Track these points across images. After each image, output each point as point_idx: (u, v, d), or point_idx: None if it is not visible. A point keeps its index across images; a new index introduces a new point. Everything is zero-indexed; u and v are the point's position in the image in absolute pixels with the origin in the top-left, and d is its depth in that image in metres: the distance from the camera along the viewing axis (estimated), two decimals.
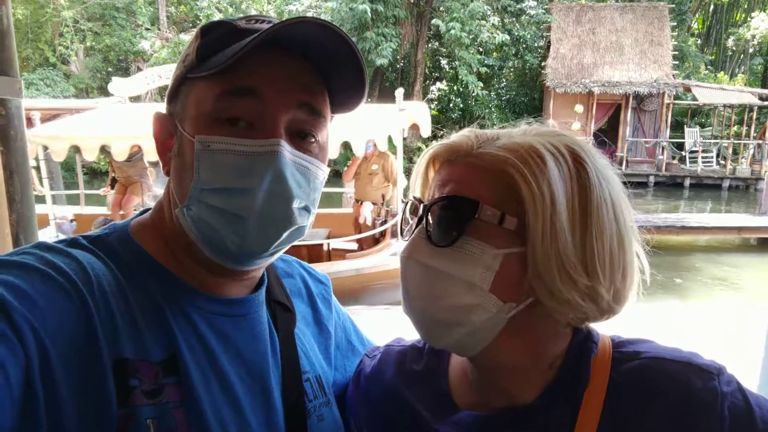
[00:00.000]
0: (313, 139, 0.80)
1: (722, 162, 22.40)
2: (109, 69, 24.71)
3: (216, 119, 0.74)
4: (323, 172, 0.82)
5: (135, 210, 7.30)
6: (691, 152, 22.10)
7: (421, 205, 0.78)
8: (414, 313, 0.78)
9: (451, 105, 24.74)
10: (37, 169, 7.08)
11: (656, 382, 0.72)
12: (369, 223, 7.76)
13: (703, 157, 21.83)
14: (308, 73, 0.78)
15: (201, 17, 24.48)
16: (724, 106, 22.41)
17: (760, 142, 21.70)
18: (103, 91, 24.60)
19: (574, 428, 0.73)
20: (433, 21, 23.07)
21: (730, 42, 32.28)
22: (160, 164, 0.84)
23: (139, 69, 24.34)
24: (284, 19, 0.73)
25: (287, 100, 0.75)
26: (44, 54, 22.88)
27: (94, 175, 24.61)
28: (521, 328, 0.75)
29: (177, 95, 0.80)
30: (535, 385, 0.78)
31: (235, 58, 0.70)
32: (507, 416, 0.78)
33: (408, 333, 0.95)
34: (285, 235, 0.77)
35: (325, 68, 0.78)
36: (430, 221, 0.76)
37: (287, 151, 0.74)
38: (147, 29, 24.21)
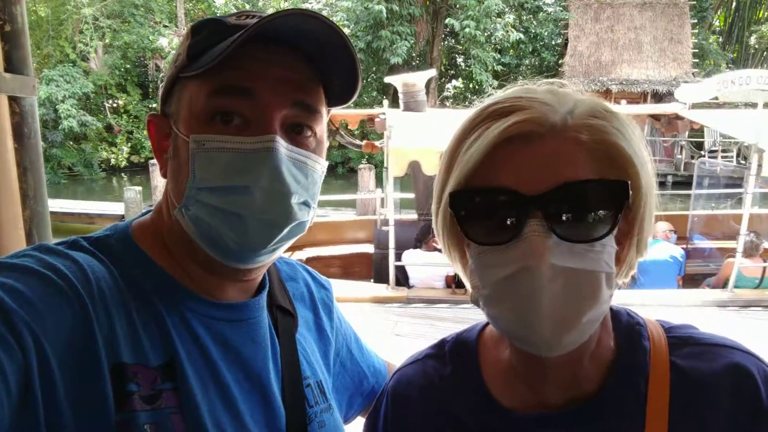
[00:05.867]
0: (310, 133, 0.78)
1: (742, 162, 22.00)
2: (128, 66, 24.98)
3: (209, 118, 0.73)
4: (321, 165, 0.81)
5: None
6: (711, 152, 21.72)
7: (541, 197, 0.62)
8: (545, 327, 0.62)
9: (466, 103, 24.58)
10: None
11: (721, 365, 0.70)
12: None
13: (722, 157, 21.46)
14: (301, 68, 0.76)
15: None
16: (746, 104, 22.00)
17: None
18: (122, 88, 24.90)
19: (645, 418, 0.69)
20: (447, 20, 22.95)
21: (752, 40, 31.65)
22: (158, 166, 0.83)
23: (156, 66, 24.60)
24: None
25: (281, 99, 0.74)
26: (64, 51, 23.17)
27: (113, 171, 24.96)
28: None
29: (170, 96, 0.79)
30: (596, 373, 0.73)
31: (222, 57, 0.69)
32: (571, 413, 0.72)
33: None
34: (285, 231, 0.76)
35: (318, 61, 0.77)
36: (560, 214, 0.62)
37: (282, 146, 0.73)
38: (165, 26, 24.39)
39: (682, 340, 0.74)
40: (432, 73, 9.68)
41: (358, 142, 8.72)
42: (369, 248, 8.09)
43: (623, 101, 14.11)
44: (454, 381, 0.83)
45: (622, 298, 6.10)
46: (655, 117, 7.86)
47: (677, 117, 7.58)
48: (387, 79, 8.00)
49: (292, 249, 7.74)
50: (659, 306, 5.87)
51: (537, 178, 0.63)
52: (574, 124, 0.65)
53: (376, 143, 8.22)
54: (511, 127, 0.64)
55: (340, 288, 6.37)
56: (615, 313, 0.78)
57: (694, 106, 8.45)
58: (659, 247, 6.55)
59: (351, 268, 8.17)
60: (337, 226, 8.93)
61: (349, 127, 8.12)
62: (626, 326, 0.77)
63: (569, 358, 0.69)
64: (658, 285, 6.38)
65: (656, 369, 0.72)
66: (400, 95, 7.33)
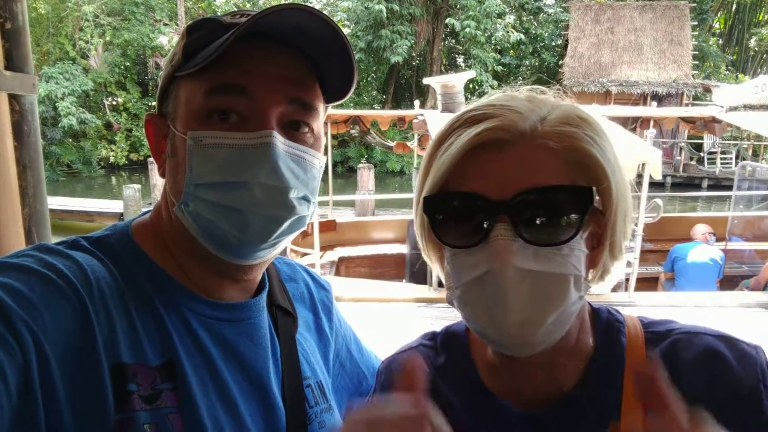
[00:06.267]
0: (307, 129, 0.79)
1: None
2: (127, 64, 24.94)
3: (206, 116, 0.73)
4: (319, 161, 0.81)
5: None
6: (710, 153, 21.75)
7: (507, 202, 0.64)
8: (511, 328, 0.64)
9: (466, 103, 24.57)
10: None
11: (694, 353, 0.71)
12: None
13: (721, 159, 21.48)
14: (297, 65, 0.77)
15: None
16: (744, 107, 22.04)
17: None
18: (121, 86, 24.84)
19: (620, 412, 0.70)
20: (448, 20, 22.93)
21: (752, 42, 31.70)
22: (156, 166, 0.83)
23: (156, 64, 24.55)
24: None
25: (277, 96, 0.74)
26: (64, 48, 23.11)
27: (112, 169, 24.93)
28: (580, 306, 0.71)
29: (167, 95, 0.79)
30: (575, 370, 0.75)
31: (216, 54, 0.69)
32: (550, 408, 0.74)
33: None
34: (285, 225, 0.76)
35: (314, 57, 0.77)
36: (526, 219, 0.64)
37: (280, 142, 0.73)
38: (165, 24, 24.36)
39: (659, 335, 0.75)
40: (471, 74, 9.83)
41: (389, 143, 8.87)
42: (399, 248, 8.10)
43: (653, 103, 14.01)
44: (447, 369, 0.85)
45: (663, 300, 6.21)
46: (688, 120, 7.81)
47: (714, 120, 7.54)
48: (426, 81, 8.21)
49: (322, 248, 7.76)
50: (700, 308, 5.83)
51: (504, 184, 0.65)
52: (543, 131, 0.66)
53: (408, 144, 8.31)
54: (481, 134, 0.66)
55: (381, 288, 6.29)
56: (595, 312, 0.80)
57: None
58: (699, 249, 6.49)
59: (381, 268, 8.14)
60: (367, 226, 8.97)
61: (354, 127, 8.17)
62: (605, 324, 0.78)
63: (544, 358, 0.70)
64: (698, 287, 6.35)
65: (631, 364, 0.73)
66: (439, 96, 7.50)
